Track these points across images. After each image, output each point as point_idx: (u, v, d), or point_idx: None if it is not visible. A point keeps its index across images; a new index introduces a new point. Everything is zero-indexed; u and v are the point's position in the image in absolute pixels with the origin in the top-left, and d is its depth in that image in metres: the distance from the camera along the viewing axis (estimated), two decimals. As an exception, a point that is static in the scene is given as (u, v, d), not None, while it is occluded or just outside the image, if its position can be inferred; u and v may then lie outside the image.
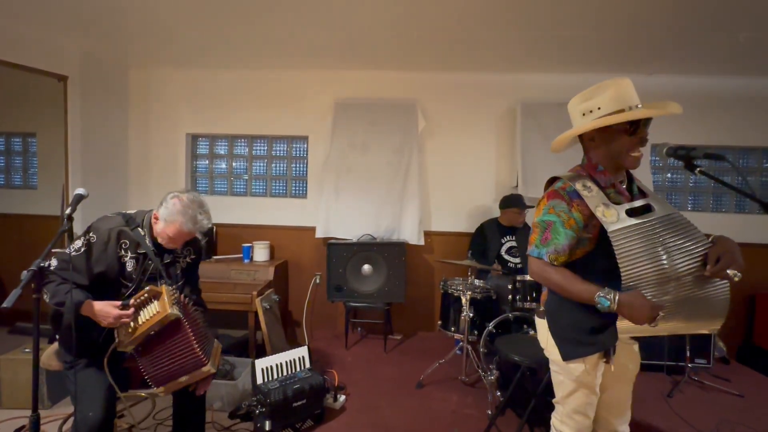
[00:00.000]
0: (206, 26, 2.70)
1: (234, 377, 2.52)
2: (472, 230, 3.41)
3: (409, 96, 3.59)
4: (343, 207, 3.57)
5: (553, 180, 1.36)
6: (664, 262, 1.13)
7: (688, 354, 2.86)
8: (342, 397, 2.45)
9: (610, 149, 1.26)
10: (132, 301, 1.46)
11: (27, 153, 3.82)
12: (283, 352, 2.29)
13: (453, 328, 2.81)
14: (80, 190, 1.54)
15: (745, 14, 2.33)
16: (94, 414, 1.44)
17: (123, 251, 1.53)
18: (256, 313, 2.87)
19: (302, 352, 2.34)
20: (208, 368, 1.50)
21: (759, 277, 3.29)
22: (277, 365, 2.23)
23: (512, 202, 3.12)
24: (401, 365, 3.03)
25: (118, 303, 1.46)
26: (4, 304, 1.12)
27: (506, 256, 3.17)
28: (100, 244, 1.50)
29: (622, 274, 1.13)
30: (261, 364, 2.18)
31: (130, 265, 1.56)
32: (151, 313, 1.45)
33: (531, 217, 3.18)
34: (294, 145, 3.85)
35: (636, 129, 1.20)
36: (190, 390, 1.60)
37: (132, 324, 1.44)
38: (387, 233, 3.57)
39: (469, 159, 3.63)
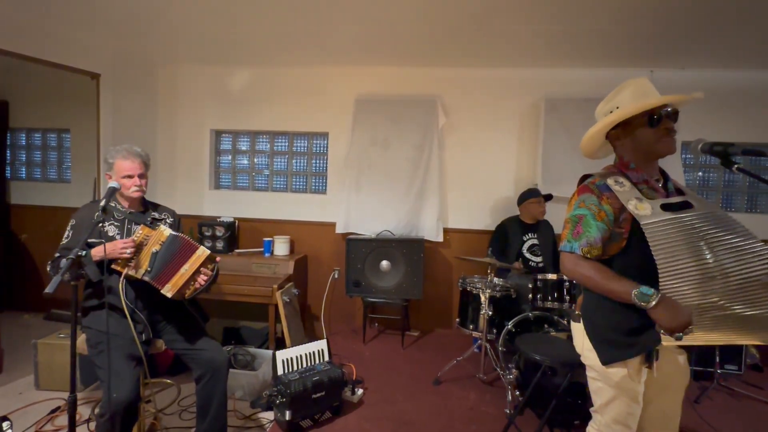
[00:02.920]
0: (230, 23, 2.75)
1: (254, 368, 2.59)
2: (491, 228, 3.37)
3: (430, 92, 3.57)
4: (363, 203, 3.59)
5: (585, 177, 1.35)
6: (708, 258, 1.09)
7: (717, 360, 2.75)
8: (360, 391, 2.47)
9: (636, 144, 1.24)
10: (133, 236, 1.69)
11: (61, 148, 3.99)
12: (303, 345, 2.33)
13: (471, 326, 2.79)
14: (113, 183, 1.64)
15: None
16: (119, 395, 1.51)
17: (102, 222, 1.65)
18: (276, 306, 2.93)
19: (321, 345, 2.38)
20: (202, 250, 1.70)
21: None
22: (297, 357, 2.27)
23: (529, 193, 3.09)
24: (418, 361, 3.03)
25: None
26: (47, 290, 1.18)
27: (528, 255, 3.12)
28: (79, 225, 1.74)
29: (659, 270, 1.10)
30: (282, 355, 2.23)
31: (112, 231, 1.77)
32: (149, 240, 1.69)
33: (551, 212, 3.20)
34: (314, 141, 3.89)
35: (659, 121, 1.17)
36: (192, 286, 1.73)
37: (137, 257, 1.67)
38: (406, 229, 3.57)
39: (489, 156, 3.58)
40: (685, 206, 1.17)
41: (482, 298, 2.65)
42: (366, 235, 3.50)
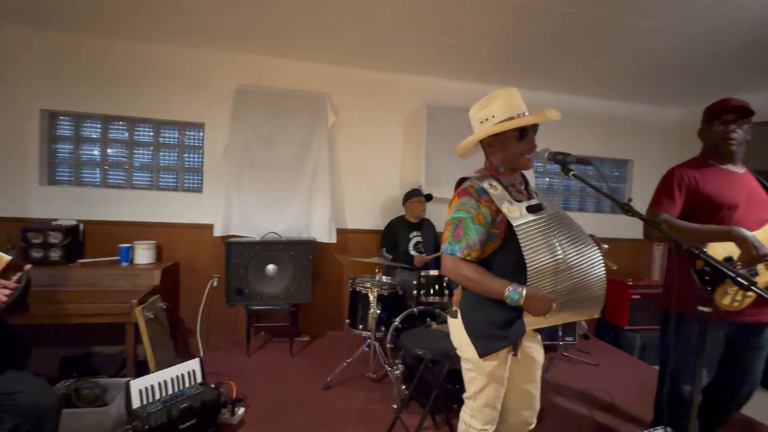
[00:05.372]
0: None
1: (106, 402, 2.13)
2: (382, 227, 3.46)
3: (319, 89, 3.47)
4: (245, 203, 3.30)
5: (462, 180, 1.42)
6: (559, 253, 1.25)
7: (560, 333, 3.32)
8: (241, 410, 2.25)
9: (506, 153, 1.36)
10: None
11: None
12: (168, 368, 2.01)
13: (361, 326, 2.80)
14: None
15: (599, 46, 2.78)
16: None
17: None
18: (136, 325, 2.47)
19: (192, 365, 2.09)
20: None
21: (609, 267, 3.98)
22: (160, 384, 1.94)
23: (412, 193, 3.27)
24: (308, 368, 2.92)
25: None
26: None
27: (413, 252, 3.28)
28: None
29: (527, 266, 1.22)
30: (139, 384, 1.87)
31: None
32: None
33: (432, 212, 3.44)
34: (187, 133, 3.43)
35: (524, 135, 1.31)
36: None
37: None
38: (295, 231, 3.41)
39: (378, 157, 3.67)
40: (539, 208, 1.33)
41: (371, 298, 2.68)
42: (249, 237, 3.22)
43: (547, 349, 3.34)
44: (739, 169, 1.72)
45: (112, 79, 3.12)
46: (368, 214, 3.67)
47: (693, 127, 1.86)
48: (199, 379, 2.08)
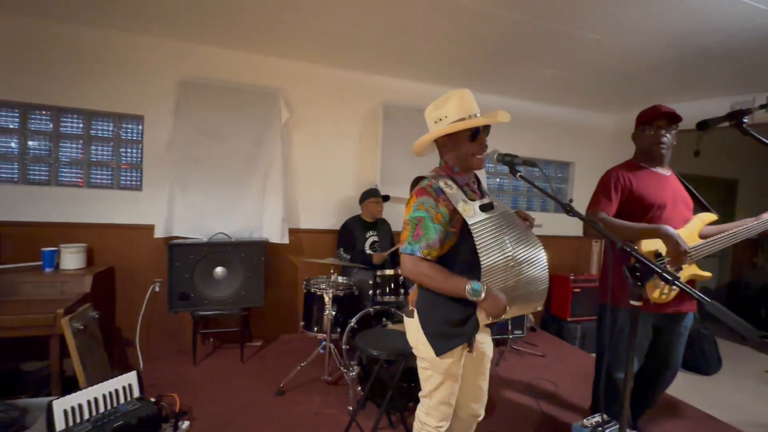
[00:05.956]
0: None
1: (25, 426, 1.90)
2: (337, 227, 3.42)
3: (272, 83, 3.34)
4: (191, 202, 3.10)
5: (418, 179, 1.42)
6: (509, 250, 1.29)
7: (509, 327, 3.47)
8: (185, 424, 2.10)
9: (459, 153, 1.39)
10: None
11: None
12: (100, 384, 1.83)
13: (316, 328, 2.74)
14: None
15: (545, 54, 2.93)
16: None
17: None
18: (63, 337, 2.22)
19: (128, 379, 1.92)
20: None
21: (554, 262, 4.21)
22: (90, 402, 1.76)
23: (370, 193, 3.26)
24: (260, 374, 2.80)
25: None
26: None
27: (369, 251, 3.27)
28: None
29: (481, 264, 1.24)
30: (63, 404, 1.69)
31: None
32: None
33: (389, 211, 3.45)
34: (124, 126, 3.15)
35: (476, 136, 1.34)
36: None
37: None
38: (246, 231, 3.26)
39: (335, 155, 3.61)
40: (490, 207, 1.37)
41: (326, 299, 2.63)
42: (195, 239, 3.03)
43: (498, 343, 3.49)
44: (666, 172, 1.88)
45: (31, 63, 2.78)
46: (323, 213, 3.60)
47: (627, 132, 2.01)
48: (136, 394, 1.92)
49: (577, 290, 3.97)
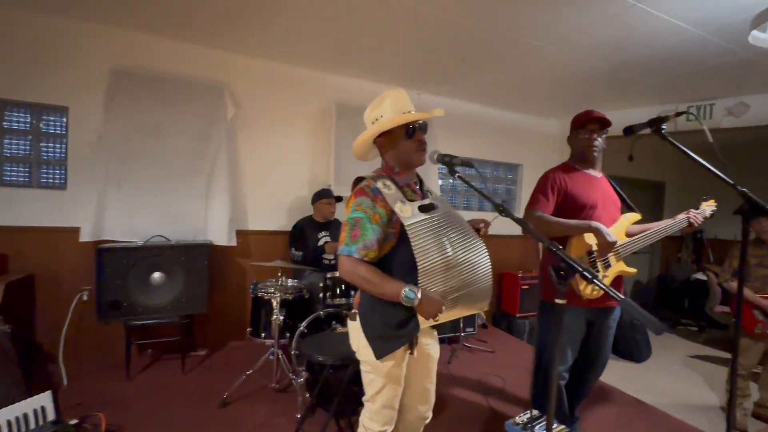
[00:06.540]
0: None
1: None
2: (288, 228, 3.31)
3: (216, 77, 3.17)
4: (125, 202, 2.86)
5: (359, 180, 1.40)
6: (449, 252, 1.28)
7: (461, 325, 3.54)
8: (112, 445, 1.92)
9: (397, 152, 1.37)
10: None
11: None
12: (5, 408, 1.61)
13: (263, 334, 2.62)
14: None
15: (492, 59, 3.02)
16: None
17: None
18: (-38, 357, 1.95)
19: (41, 400, 1.71)
20: None
21: (503, 261, 4.38)
22: (-9, 429, 1.55)
23: (322, 194, 3.19)
24: (204, 385, 2.64)
25: None
26: None
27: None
28: None
29: (417, 265, 1.23)
30: (-43, 434, 1.47)
31: None
32: None
33: (342, 212, 3.39)
34: (45, 118, 2.84)
35: (413, 133, 1.33)
36: None
37: None
38: (189, 234, 3.06)
39: (286, 153, 3.49)
40: (431, 207, 1.36)
41: (274, 303, 2.53)
42: (129, 242, 2.80)
43: (450, 341, 3.55)
44: (598, 174, 1.99)
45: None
46: (273, 214, 3.48)
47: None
48: (51, 417, 1.72)
49: (525, 287, 4.14)
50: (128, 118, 2.86)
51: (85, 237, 2.72)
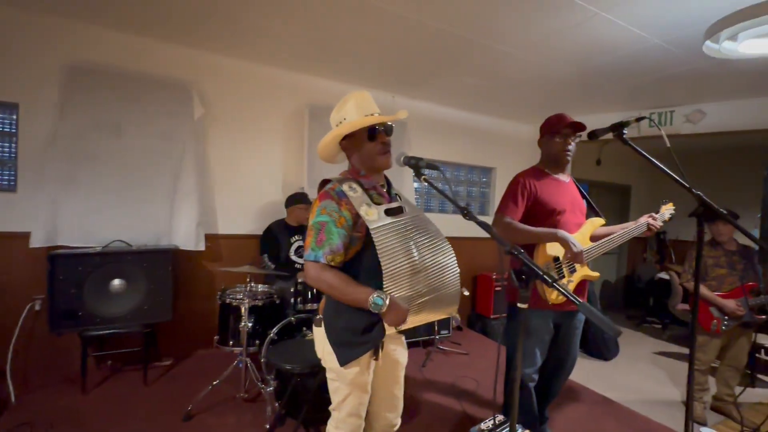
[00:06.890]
0: None
1: None
2: (259, 232, 3.22)
3: (183, 75, 3.05)
4: (80, 205, 2.70)
5: (324, 182, 1.38)
6: (415, 256, 1.26)
7: (436, 327, 3.54)
8: (62, 466, 1.79)
9: (361, 155, 1.35)
10: None
11: None
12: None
13: (231, 342, 2.53)
14: None
15: (465, 63, 3.05)
16: None
17: None
18: None
19: (-21, 422, 1.57)
20: None
21: (477, 263, 4.43)
22: None
23: (297, 198, 3.12)
24: (168, 397, 2.51)
25: None
26: None
27: (294, 257, 3.12)
28: None
29: (383, 270, 1.20)
30: None
31: None
32: None
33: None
34: (-8, 115, 2.66)
35: (374, 135, 1.31)
36: None
37: None
38: (152, 238, 2.92)
39: (258, 155, 3.40)
40: (399, 211, 1.33)
41: (242, 310, 2.44)
42: (85, 247, 2.64)
43: (425, 344, 3.54)
44: (566, 179, 2.02)
45: None
46: (244, 217, 3.38)
47: (539, 141, 2.12)
48: (-9, 439, 1.58)
49: (499, 289, 4.19)
50: (85, 115, 2.71)
51: (36, 242, 2.54)
